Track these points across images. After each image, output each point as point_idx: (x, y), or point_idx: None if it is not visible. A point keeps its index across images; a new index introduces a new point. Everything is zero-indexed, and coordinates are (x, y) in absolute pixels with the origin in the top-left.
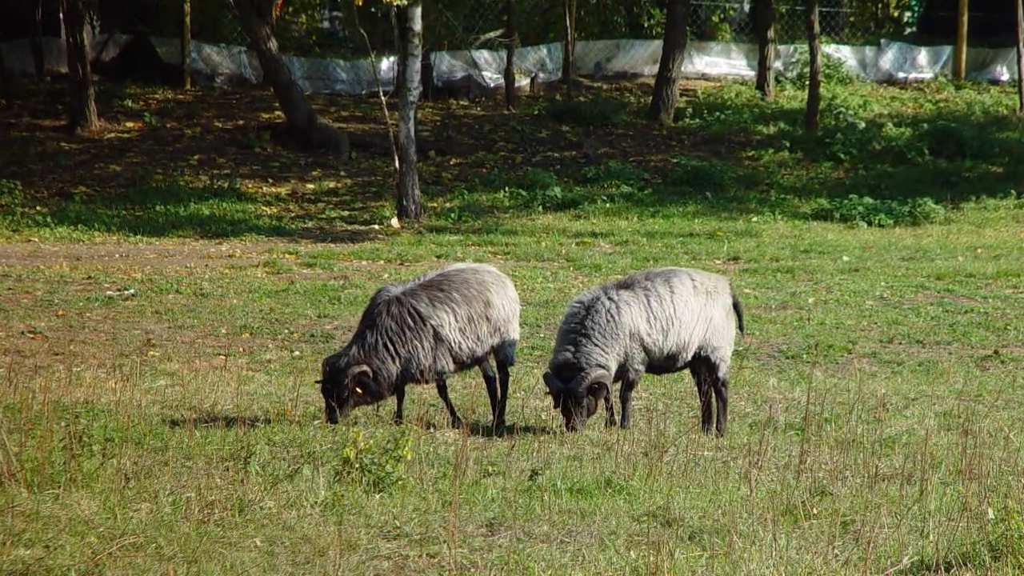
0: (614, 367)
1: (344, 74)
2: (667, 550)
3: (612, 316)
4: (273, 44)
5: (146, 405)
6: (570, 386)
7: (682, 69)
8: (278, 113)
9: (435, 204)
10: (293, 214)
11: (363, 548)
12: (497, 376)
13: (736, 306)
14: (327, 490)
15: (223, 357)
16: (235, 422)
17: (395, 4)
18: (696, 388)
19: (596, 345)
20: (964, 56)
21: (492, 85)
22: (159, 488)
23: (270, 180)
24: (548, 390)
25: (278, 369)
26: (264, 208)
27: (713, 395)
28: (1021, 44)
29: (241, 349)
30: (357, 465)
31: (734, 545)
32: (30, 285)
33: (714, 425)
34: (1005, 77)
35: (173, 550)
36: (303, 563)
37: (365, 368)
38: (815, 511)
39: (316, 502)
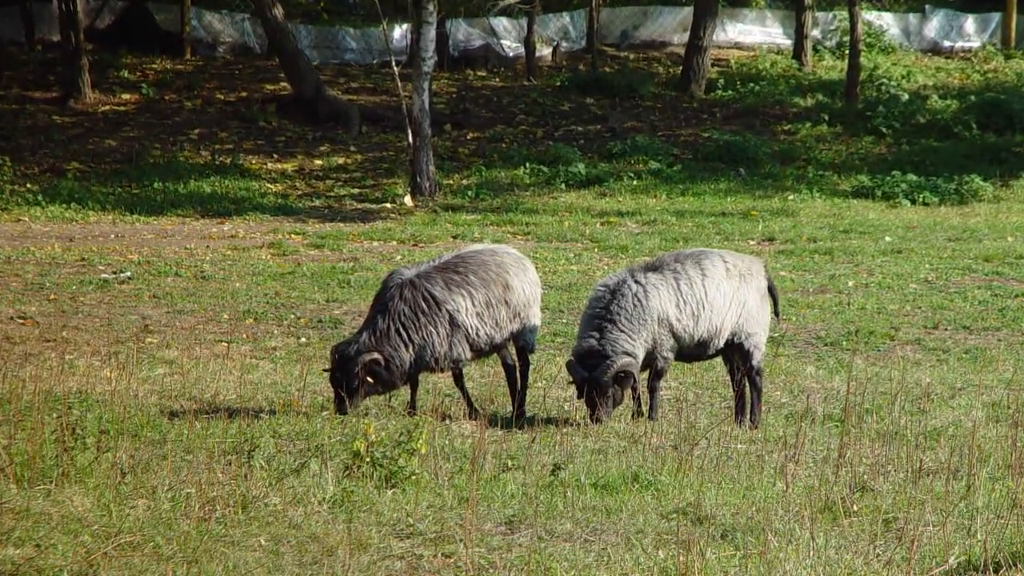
0: (641, 354)
1: (354, 43)
2: (698, 550)
3: (639, 300)
4: (278, 11)
5: (143, 395)
6: (595, 375)
7: (714, 37)
8: (284, 84)
9: (451, 181)
10: (300, 192)
11: (374, 547)
12: (517, 364)
13: (771, 290)
14: (336, 486)
15: (225, 344)
16: (238, 413)
17: None
18: (728, 377)
19: (622, 331)
20: (1014, 24)
21: (511, 55)
22: (157, 483)
23: (275, 156)
24: (571, 379)
25: (284, 357)
26: (269, 185)
27: (747, 384)
28: None
29: (244, 335)
30: (368, 459)
31: (769, 544)
32: (20, 268)
33: (748, 416)
34: None
35: (172, 549)
36: (310, 563)
37: (376, 356)
38: (855, 508)
39: (324, 498)
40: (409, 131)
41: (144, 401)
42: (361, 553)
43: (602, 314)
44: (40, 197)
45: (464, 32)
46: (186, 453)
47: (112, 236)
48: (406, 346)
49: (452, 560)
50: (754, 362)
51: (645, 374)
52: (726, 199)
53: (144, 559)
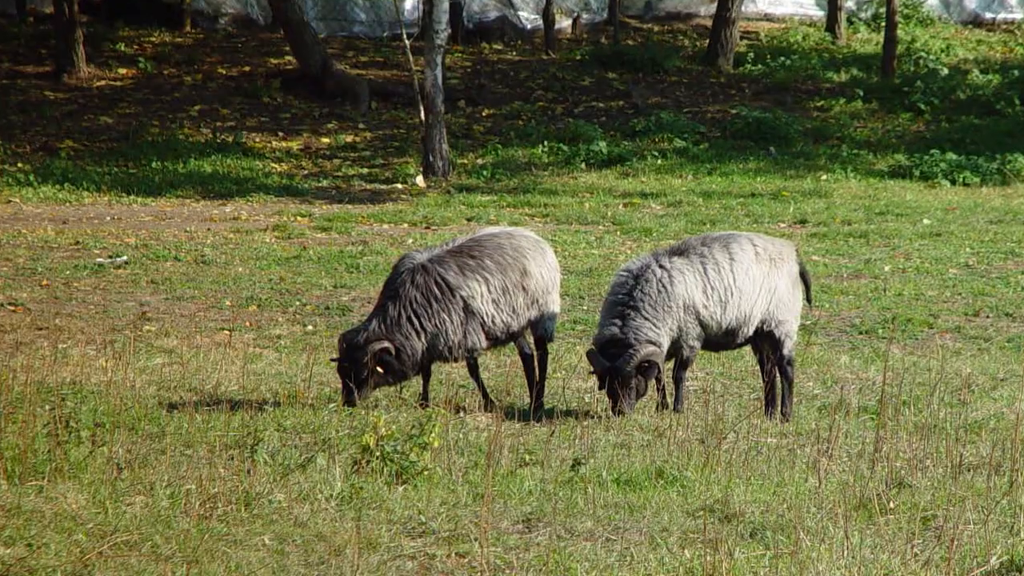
0: (666, 343)
1: (363, 14)
2: (726, 549)
3: (664, 286)
4: None
5: (141, 386)
6: (617, 365)
7: (742, 9)
8: (289, 58)
9: (465, 160)
10: (306, 172)
11: (384, 546)
12: (535, 353)
13: (803, 275)
14: (344, 482)
15: (227, 332)
16: (241, 405)
17: None
18: (758, 367)
19: (646, 319)
20: None
21: (529, 27)
22: (155, 479)
23: (280, 133)
24: (592, 369)
25: (289, 346)
26: (273, 165)
27: (777, 375)
28: None
29: (247, 323)
30: (378, 453)
31: (801, 544)
32: (10, 251)
33: (778, 409)
34: None
35: (171, 549)
36: (317, 563)
37: (387, 344)
38: (892, 505)
39: (331, 495)
40: (421, 108)
41: (142, 392)
42: (370, 553)
43: (625, 300)
44: (32, 177)
45: (479, 3)
46: (186, 447)
47: (108, 218)
48: (418, 334)
49: (466, 560)
50: (785, 351)
51: (670, 364)
52: (755, 179)
53: (141, 559)
